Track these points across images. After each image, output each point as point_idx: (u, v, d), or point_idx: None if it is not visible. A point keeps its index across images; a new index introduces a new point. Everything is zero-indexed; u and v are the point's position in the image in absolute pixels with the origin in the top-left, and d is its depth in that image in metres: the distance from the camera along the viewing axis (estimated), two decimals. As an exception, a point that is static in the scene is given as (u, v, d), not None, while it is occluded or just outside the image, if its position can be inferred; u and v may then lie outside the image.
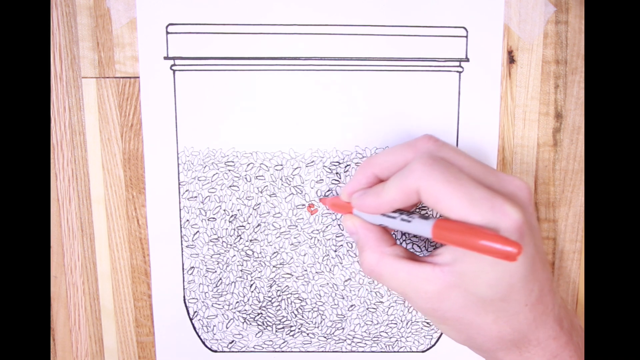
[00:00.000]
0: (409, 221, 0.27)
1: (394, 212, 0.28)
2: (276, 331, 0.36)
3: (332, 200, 0.32)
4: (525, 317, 0.27)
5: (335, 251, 0.35)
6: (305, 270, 0.35)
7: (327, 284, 0.35)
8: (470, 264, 0.26)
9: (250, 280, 0.35)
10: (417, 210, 0.33)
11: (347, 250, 0.35)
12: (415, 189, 0.26)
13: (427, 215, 0.30)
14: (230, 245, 0.35)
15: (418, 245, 0.35)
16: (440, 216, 0.33)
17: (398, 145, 0.29)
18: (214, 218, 0.34)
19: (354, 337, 0.36)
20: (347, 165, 0.34)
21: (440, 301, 0.27)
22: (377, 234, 0.29)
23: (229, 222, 0.34)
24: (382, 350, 0.36)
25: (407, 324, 0.35)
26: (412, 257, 0.29)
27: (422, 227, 0.27)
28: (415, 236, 0.35)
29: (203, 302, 0.35)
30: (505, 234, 0.25)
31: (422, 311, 0.28)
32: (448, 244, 0.26)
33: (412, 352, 0.36)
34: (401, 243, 0.34)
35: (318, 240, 0.35)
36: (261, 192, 0.34)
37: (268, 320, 0.35)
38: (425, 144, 0.28)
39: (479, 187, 0.26)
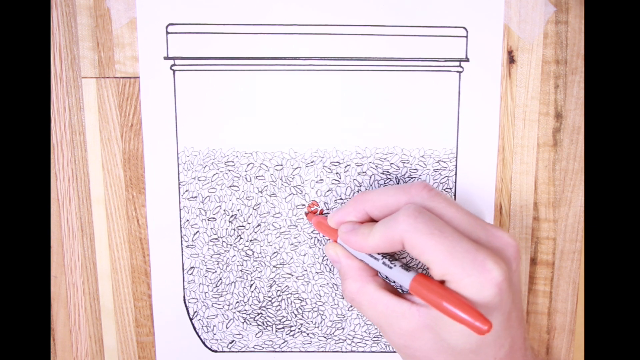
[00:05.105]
0: (391, 267, 0.28)
1: (379, 253, 0.29)
2: (276, 331, 0.36)
3: (318, 220, 0.32)
4: None
5: (335, 251, 0.35)
6: (305, 270, 0.35)
7: (327, 284, 0.35)
8: None
9: (250, 280, 0.35)
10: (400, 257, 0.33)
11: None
12: (399, 239, 0.27)
13: (409, 265, 0.30)
14: (230, 245, 0.35)
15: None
16: (423, 269, 0.34)
17: (393, 186, 0.30)
18: (214, 218, 0.34)
19: (354, 337, 0.36)
20: (347, 165, 0.34)
21: (413, 340, 0.27)
22: (359, 263, 0.30)
23: (229, 222, 0.34)
24: (382, 350, 0.36)
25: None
26: (393, 291, 0.29)
27: (401, 277, 0.27)
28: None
29: (203, 302, 0.35)
30: (483, 289, 0.25)
31: (394, 345, 0.29)
32: (424, 301, 0.26)
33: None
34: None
35: (318, 240, 0.35)
36: (261, 192, 0.34)
37: (268, 320, 0.35)
38: (418, 192, 0.28)
39: (462, 241, 0.26)
